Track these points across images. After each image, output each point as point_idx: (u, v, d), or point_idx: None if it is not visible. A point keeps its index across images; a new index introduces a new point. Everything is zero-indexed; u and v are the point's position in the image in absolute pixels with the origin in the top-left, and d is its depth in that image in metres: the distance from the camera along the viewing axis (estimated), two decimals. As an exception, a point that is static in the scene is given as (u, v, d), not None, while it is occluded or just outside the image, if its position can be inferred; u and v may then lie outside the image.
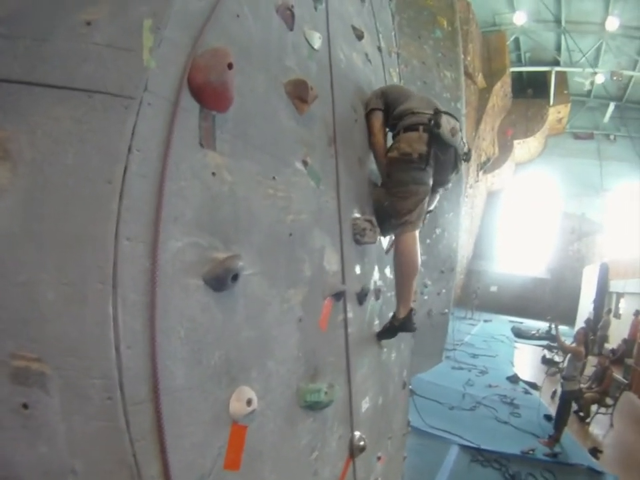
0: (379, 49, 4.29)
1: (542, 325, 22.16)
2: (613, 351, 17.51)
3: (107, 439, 1.23)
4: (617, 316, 21.34)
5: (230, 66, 1.58)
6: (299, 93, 2.24)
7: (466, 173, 17.50)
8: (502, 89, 27.00)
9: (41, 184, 1.25)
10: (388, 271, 3.79)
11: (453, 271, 8.17)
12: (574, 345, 9.46)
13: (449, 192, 4.00)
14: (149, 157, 1.34)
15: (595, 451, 8.78)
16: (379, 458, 3.46)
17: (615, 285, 22.60)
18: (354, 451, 2.82)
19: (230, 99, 1.67)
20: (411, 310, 3.30)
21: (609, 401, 10.55)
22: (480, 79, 24.09)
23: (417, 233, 3.29)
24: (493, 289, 30.70)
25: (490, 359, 15.82)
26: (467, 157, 3.44)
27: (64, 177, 1.25)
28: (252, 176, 1.85)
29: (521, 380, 13.27)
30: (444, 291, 7.92)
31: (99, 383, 1.21)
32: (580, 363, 9.30)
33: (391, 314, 3.50)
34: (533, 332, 22.06)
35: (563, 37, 26.30)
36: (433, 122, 3.10)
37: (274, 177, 2.01)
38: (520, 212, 32.86)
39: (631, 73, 26.95)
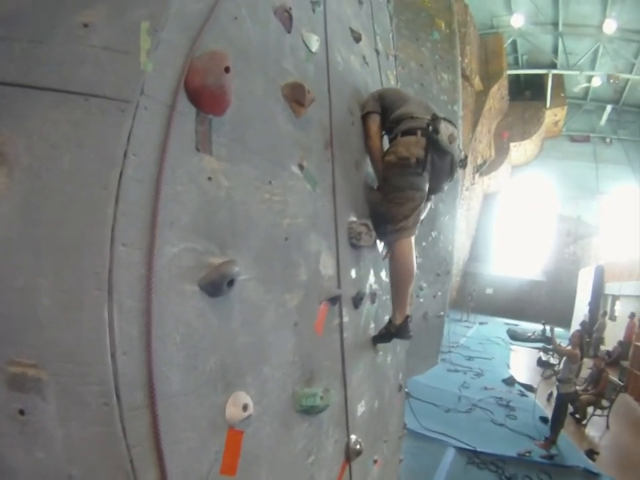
0: (377, 51, 4.29)
1: (538, 328, 22.13)
2: (608, 353, 17.56)
3: (104, 445, 1.22)
4: (613, 318, 21.36)
5: (227, 69, 1.57)
6: (296, 96, 2.23)
7: (462, 175, 17.55)
8: (499, 91, 27.08)
9: (37, 189, 1.24)
10: (383, 275, 3.79)
11: (448, 274, 8.20)
12: (569, 347, 9.48)
13: (444, 195, 4.01)
14: (145, 162, 1.34)
15: (591, 453, 8.82)
16: (375, 461, 3.46)
17: (610, 288, 22.62)
18: (350, 454, 2.81)
19: (227, 103, 1.66)
20: (407, 317, 3.29)
21: (604, 402, 10.59)
22: (477, 81, 24.15)
23: (412, 239, 3.29)
24: (489, 291, 30.72)
25: (486, 361, 15.85)
26: (463, 164, 3.43)
27: (60, 182, 1.24)
28: (248, 180, 1.84)
29: (517, 382, 13.31)
30: (439, 293, 7.95)
31: (95, 389, 1.20)
32: (575, 366, 9.32)
33: (386, 317, 3.50)
34: (529, 334, 22.10)
35: (560, 40, 26.36)
36: (431, 127, 3.10)
37: (270, 181, 2.00)
38: (516, 214, 32.92)
39: (627, 76, 27.07)
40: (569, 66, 27.59)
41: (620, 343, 17.66)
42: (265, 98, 2.04)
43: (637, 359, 14.04)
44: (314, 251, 2.42)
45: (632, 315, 18.21)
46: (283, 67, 2.22)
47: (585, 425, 10.45)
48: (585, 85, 28.44)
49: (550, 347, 12.83)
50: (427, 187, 3.23)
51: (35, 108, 1.29)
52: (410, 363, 5.36)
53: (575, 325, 20.52)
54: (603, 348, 18.93)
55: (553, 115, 31.18)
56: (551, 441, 8.78)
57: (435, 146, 3.11)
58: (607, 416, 10.54)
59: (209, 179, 1.59)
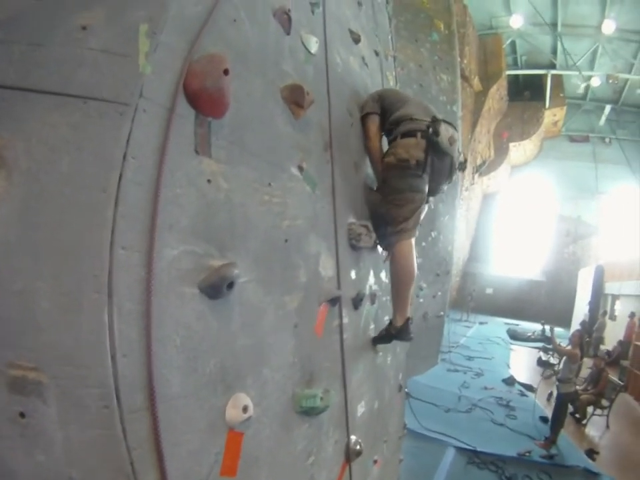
0: (376, 52, 4.29)
1: (538, 327, 22.12)
2: (608, 352, 17.57)
3: (104, 448, 1.22)
4: (613, 318, 21.38)
5: (226, 72, 1.57)
6: (295, 98, 2.23)
7: (462, 176, 17.53)
8: (498, 91, 27.07)
9: (36, 192, 1.24)
10: (383, 275, 3.79)
11: (448, 274, 8.19)
12: (569, 347, 9.48)
13: (444, 195, 4.01)
14: (144, 165, 1.34)
15: (591, 453, 8.82)
16: (375, 461, 3.46)
17: (610, 287, 22.62)
18: (350, 455, 2.81)
19: (226, 105, 1.66)
20: (408, 319, 3.29)
21: (604, 402, 10.59)
22: (476, 81, 24.15)
23: (412, 240, 3.29)
24: (489, 291, 30.71)
25: (486, 361, 15.85)
26: (462, 167, 3.43)
27: (59, 185, 1.24)
28: (248, 182, 1.84)
29: (517, 382, 13.31)
30: (439, 293, 7.94)
31: (95, 391, 1.21)
32: (575, 365, 9.32)
33: (386, 318, 3.50)
34: (529, 334, 22.09)
35: (559, 40, 26.35)
36: (431, 129, 3.09)
37: (270, 183, 2.00)
38: (516, 214, 32.91)
39: (626, 76, 27.06)
40: (567, 66, 27.55)
41: (620, 343, 17.67)
42: (264, 100, 2.04)
43: (637, 359, 14.03)
44: (313, 252, 2.42)
45: (632, 315, 18.22)
46: (282, 69, 2.22)
47: (584, 425, 10.46)
48: (584, 85, 28.42)
49: (550, 346, 12.82)
50: (426, 188, 3.22)
51: (33, 111, 1.29)
52: (410, 363, 5.35)
53: (575, 325, 20.52)
54: (602, 347, 18.95)
55: (552, 115, 31.17)
56: (551, 441, 8.78)
57: (435, 148, 3.10)
58: (607, 416, 10.54)
59: (208, 181, 1.59)
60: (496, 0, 25.19)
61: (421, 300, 7.25)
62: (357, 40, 3.49)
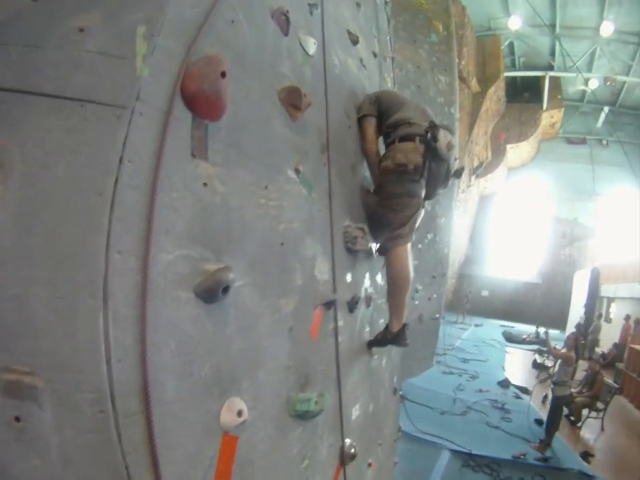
0: (374, 53, 4.28)
1: (533, 330, 22.23)
2: (603, 355, 17.63)
3: (100, 452, 1.22)
4: (608, 320, 21.47)
5: (223, 74, 1.56)
6: (293, 100, 2.22)
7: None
8: (496, 93, 27.13)
9: (32, 196, 1.23)
10: (379, 278, 3.79)
11: (444, 276, 8.20)
12: (564, 350, 9.49)
13: (441, 197, 4.00)
14: (140, 168, 1.33)
15: (586, 455, 8.84)
16: (369, 464, 3.46)
17: (605, 290, 22.71)
18: (345, 458, 2.81)
19: (223, 108, 1.66)
20: (404, 325, 3.29)
21: (599, 405, 10.60)
22: (474, 83, 24.19)
23: (408, 246, 3.28)
24: (485, 293, 30.78)
25: (481, 363, 15.88)
26: (458, 174, 3.42)
27: (55, 189, 1.24)
28: (244, 185, 1.84)
29: (512, 384, 13.32)
30: (435, 295, 7.95)
31: (90, 396, 1.20)
32: (570, 368, 9.34)
33: (382, 321, 3.50)
34: (524, 336, 22.11)
35: (557, 42, 26.41)
36: (430, 135, 3.07)
37: (266, 186, 1.99)
38: (512, 216, 32.97)
39: (624, 78, 27.18)
40: (565, 68, 27.63)
41: (615, 345, 17.75)
42: (261, 102, 2.03)
43: (632, 361, 14.07)
44: (309, 255, 2.42)
45: (627, 317, 18.31)
46: (279, 71, 2.22)
47: (579, 427, 10.46)
48: (582, 87, 28.50)
49: (545, 349, 12.84)
50: (423, 193, 3.22)
51: (30, 114, 1.29)
52: (405, 365, 5.36)
53: (571, 327, 20.58)
54: (598, 350, 18.98)
55: (550, 117, 31.27)
56: (545, 444, 8.79)
57: (433, 154, 3.08)
58: (602, 418, 10.56)
59: (205, 184, 1.59)
60: (494, 1, 25.26)
61: (417, 302, 7.24)
62: (355, 41, 3.49)
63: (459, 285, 29.12)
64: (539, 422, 9.93)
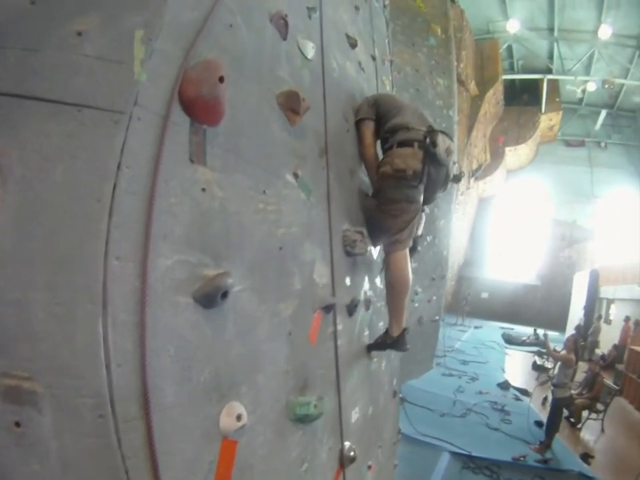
0: (373, 57, 4.28)
1: (532, 332, 22.21)
2: (603, 356, 17.63)
3: (99, 457, 1.23)
4: (608, 322, 21.47)
5: (222, 79, 1.56)
6: (291, 105, 2.22)
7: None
8: (494, 96, 27.12)
9: (30, 201, 1.23)
10: (378, 281, 3.79)
11: (443, 278, 8.21)
12: (564, 352, 9.49)
13: (440, 199, 4.00)
14: (138, 174, 1.33)
15: (586, 457, 8.83)
16: (369, 467, 3.46)
17: (605, 291, 22.71)
18: (344, 461, 2.81)
19: (221, 113, 1.65)
20: (404, 330, 3.29)
21: (599, 406, 10.60)
22: (472, 86, 24.18)
23: (407, 251, 3.28)
24: (484, 295, 30.74)
25: (480, 365, 15.85)
26: (457, 179, 3.42)
27: (53, 195, 1.24)
28: (243, 190, 1.83)
29: (512, 386, 13.30)
30: (434, 298, 7.96)
31: (90, 401, 1.21)
32: (570, 370, 9.34)
33: (381, 324, 3.49)
34: (524, 338, 22.09)
35: (555, 45, 26.47)
36: (429, 140, 3.06)
37: (264, 191, 1.99)
38: (511, 219, 32.96)
39: (622, 81, 27.20)
40: (564, 71, 27.73)
41: (615, 347, 17.73)
42: (260, 107, 2.03)
43: (632, 363, 14.05)
44: (308, 259, 2.42)
45: (627, 319, 18.29)
46: (278, 75, 2.22)
47: (579, 429, 10.47)
48: (580, 90, 28.54)
49: (545, 350, 12.84)
50: (421, 199, 3.22)
51: (28, 119, 1.28)
52: (404, 367, 5.35)
53: (570, 329, 20.58)
54: (597, 351, 18.97)
55: (548, 120, 31.27)
56: (545, 445, 8.78)
57: (432, 159, 3.07)
58: (602, 420, 10.56)
59: (203, 189, 1.58)
60: (493, 5, 25.25)
61: (416, 304, 7.26)
62: (353, 45, 3.49)
63: (458, 287, 29.08)
64: (538, 424, 9.91)
